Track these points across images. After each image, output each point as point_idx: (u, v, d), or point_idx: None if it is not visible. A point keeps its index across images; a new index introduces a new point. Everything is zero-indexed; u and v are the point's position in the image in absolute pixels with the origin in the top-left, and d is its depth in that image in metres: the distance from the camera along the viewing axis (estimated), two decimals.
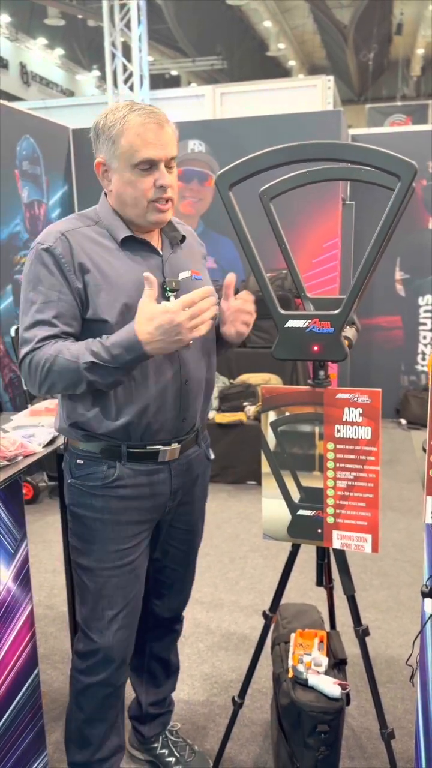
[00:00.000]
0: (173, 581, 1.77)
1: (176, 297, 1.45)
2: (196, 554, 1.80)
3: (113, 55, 6.90)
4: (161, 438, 1.52)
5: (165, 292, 1.47)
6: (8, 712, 1.58)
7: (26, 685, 1.65)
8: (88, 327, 1.44)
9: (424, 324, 5.38)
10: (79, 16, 14.39)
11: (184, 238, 1.58)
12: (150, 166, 1.40)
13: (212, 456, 1.75)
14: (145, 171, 1.40)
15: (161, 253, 1.52)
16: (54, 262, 1.41)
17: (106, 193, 1.51)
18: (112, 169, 1.43)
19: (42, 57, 15.50)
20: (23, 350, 1.41)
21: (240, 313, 1.55)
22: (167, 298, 1.45)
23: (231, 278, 1.53)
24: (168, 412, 1.50)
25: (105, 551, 1.54)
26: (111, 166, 1.43)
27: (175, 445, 1.55)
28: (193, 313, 1.31)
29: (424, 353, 5.40)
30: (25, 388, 3.53)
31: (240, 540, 3.38)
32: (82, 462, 1.53)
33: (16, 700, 1.61)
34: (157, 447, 1.52)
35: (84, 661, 1.62)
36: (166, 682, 1.87)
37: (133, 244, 1.48)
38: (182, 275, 1.53)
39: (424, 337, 5.39)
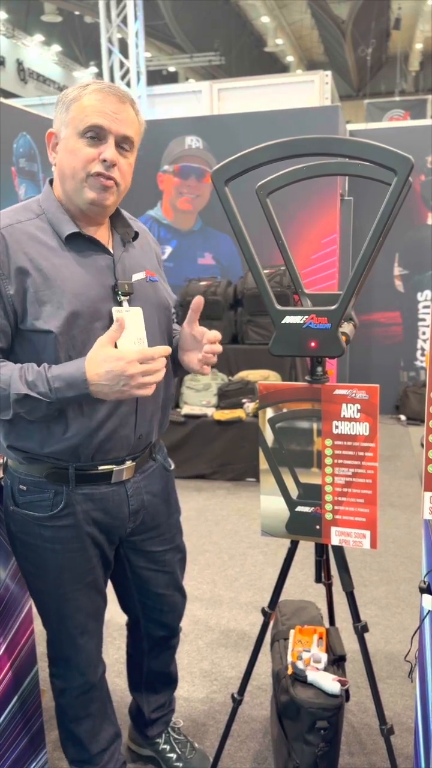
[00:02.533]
0: (162, 604, 1.68)
1: (130, 301, 1.36)
2: (182, 572, 1.71)
3: (110, 52, 6.88)
4: (114, 457, 1.40)
5: (117, 296, 1.34)
6: (7, 711, 1.57)
7: (25, 683, 1.64)
8: (28, 339, 1.29)
9: (423, 320, 5.38)
10: (76, 13, 14.36)
11: (137, 234, 1.45)
12: (97, 136, 1.27)
13: (172, 467, 1.64)
14: (92, 141, 1.27)
15: (112, 251, 1.38)
16: None
17: (51, 181, 1.38)
18: (60, 139, 1.31)
19: (39, 54, 15.45)
20: None
21: (204, 357, 1.43)
22: (119, 303, 1.35)
23: (198, 303, 1.41)
24: (122, 429, 1.38)
25: (61, 578, 1.44)
26: (60, 135, 1.30)
27: (130, 463, 1.44)
28: (145, 369, 1.23)
29: (423, 349, 5.39)
30: None
31: (239, 537, 3.38)
32: (25, 488, 1.39)
33: (15, 699, 1.61)
34: (110, 467, 1.40)
35: (56, 667, 1.60)
36: (166, 689, 1.85)
37: (80, 241, 1.34)
38: (136, 277, 1.40)
39: (423, 333, 5.39)
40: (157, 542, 1.60)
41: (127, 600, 1.70)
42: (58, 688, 1.61)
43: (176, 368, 1.55)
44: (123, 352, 1.23)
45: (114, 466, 1.42)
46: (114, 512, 1.45)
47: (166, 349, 1.28)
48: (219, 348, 1.43)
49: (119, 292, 1.35)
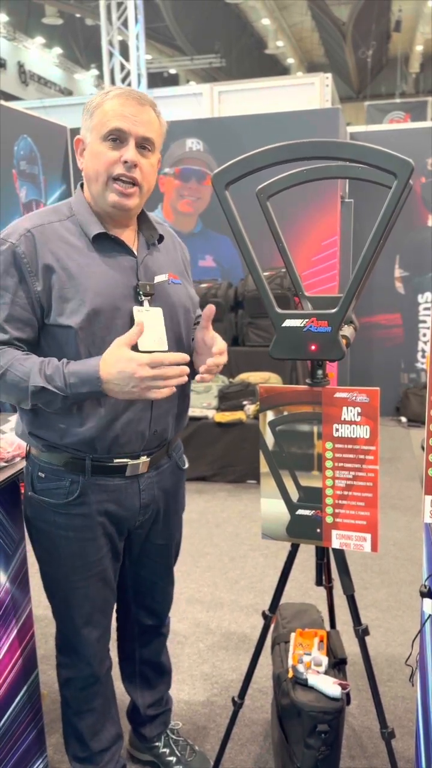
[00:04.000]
0: (153, 592, 1.73)
1: (150, 302, 1.40)
2: (175, 562, 1.76)
3: (111, 54, 6.89)
4: (129, 451, 1.44)
5: (138, 296, 1.39)
6: (7, 714, 1.57)
7: (25, 686, 1.64)
8: (51, 333, 1.36)
9: (424, 321, 5.38)
10: (77, 15, 14.38)
11: (162, 237, 1.50)
12: (119, 139, 1.32)
13: (186, 465, 1.68)
14: (114, 144, 1.32)
15: (136, 253, 1.43)
16: (13, 261, 1.32)
17: (82, 185, 1.43)
18: (86, 144, 1.37)
19: (40, 56, 15.49)
20: None
21: (208, 366, 1.44)
22: (140, 303, 1.39)
23: (210, 310, 1.42)
24: (137, 424, 1.42)
25: (71, 565, 1.49)
26: (86, 140, 1.37)
27: (145, 459, 1.48)
28: (156, 374, 1.26)
29: (423, 351, 5.39)
30: None
31: (240, 539, 3.38)
32: (43, 475, 1.45)
33: (15, 702, 1.61)
34: (125, 461, 1.44)
35: (63, 656, 1.63)
36: (161, 682, 1.86)
37: (106, 242, 1.39)
38: (158, 279, 1.44)
39: (424, 335, 5.38)
40: (160, 536, 1.63)
41: (120, 585, 1.70)
42: (64, 678, 1.63)
43: (192, 370, 1.58)
44: (135, 355, 1.26)
45: (129, 460, 1.45)
46: (126, 505, 1.49)
47: (182, 357, 1.30)
48: (223, 359, 1.45)
49: (140, 293, 1.39)
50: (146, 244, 1.47)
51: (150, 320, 1.38)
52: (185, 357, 1.30)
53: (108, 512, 1.47)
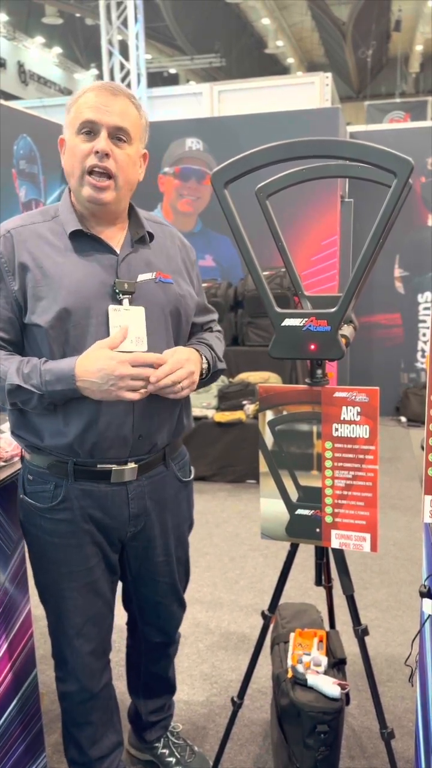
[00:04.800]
0: (158, 611, 1.66)
1: (131, 300, 1.36)
2: (184, 585, 1.69)
3: (110, 54, 6.89)
4: (113, 456, 1.39)
5: (116, 294, 1.34)
6: (6, 714, 1.57)
7: (24, 686, 1.64)
8: (29, 333, 1.35)
9: (424, 321, 5.37)
10: (77, 15, 14.37)
11: (151, 235, 1.45)
12: (91, 131, 1.30)
13: (190, 477, 1.62)
14: (87, 136, 1.30)
15: (118, 251, 1.39)
16: None
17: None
18: (65, 141, 1.36)
19: (40, 56, 15.47)
20: None
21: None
22: (119, 301, 1.35)
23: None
24: (119, 428, 1.36)
25: (58, 572, 1.46)
26: (65, 137, 1.35)
27: (132, 465, 1.42)
28: (135, 373, 1.25)
29: (423, 350, 5.38)
30: None
31: (240, 539, 3.37)
32: (31, 478, 1.44)
33: (14, 702, 1.60)
34: (109, 466, 1.40)
35: (59, 670, 1.59)
36: (164, 693, 1.84)
37: (84, 240, 1.36)
38: (142, 277, 1.39)
39: (424, 335, 5.38)
40: (159, 552, 1.56)
41: (126, 600, 1.70)
42: (60, 691, 1.61)
43: None
44: (113, 354, 1.26)
45: (114, 465, 1.41)
46: (113, 513, 1.44)
47: (159, 358, 1.29)
48: (179, 375, 1.32)
49: (117, 291, 1.35)
50: (131, 241, 1.42)
51: (128, 320, 1.35)
52: (163, 358, 1.29)
53: (94, 519, 1.43)
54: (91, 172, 1.31)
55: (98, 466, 1.40)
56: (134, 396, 1.28)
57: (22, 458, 1.51)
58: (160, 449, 1.48)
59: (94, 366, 1.25)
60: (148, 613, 1.67)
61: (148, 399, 1.35)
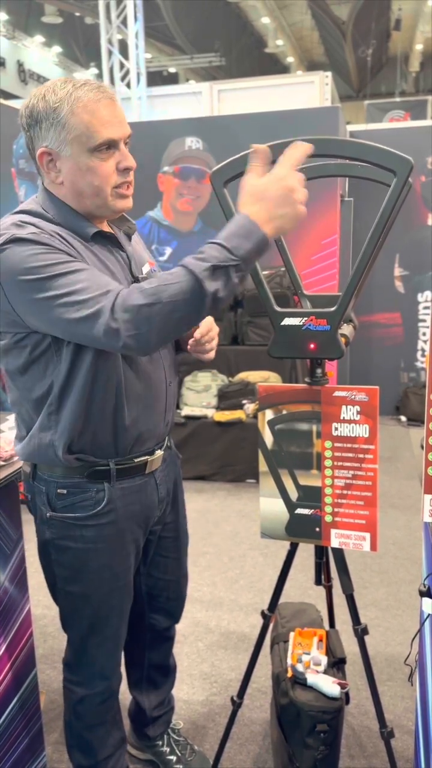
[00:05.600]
0: (168, 592, 1.71)
1: None
2: (187, 555, 1.74)
3: (110, 53, 6.88)
4: (148, 447, 1.43)
5: None
6: (5, 714, 1.57)
7: (24, 686, 1.64)
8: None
9: (424, 321, 5.37)
10: (77, 14, 14.36)
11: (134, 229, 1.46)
12: (109, 147, 1.25)
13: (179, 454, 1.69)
14: (105, 154, 1.24)
15: (125, 248, 1.40)
16: (40, 244, 1.19)
17: (47, 189, 1.30)
18: (62, 158, 1.24)
19: (39, 55, 15.45)
20: (102, 317, 1.12)
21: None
22: None
23: None
24: (156, 418, 1.41)
25: (100, 578, 1.44)
26: (61, 153, 1.23)
27: (159, 453, 1.48)
28: (297, 183, 1.12)
29: (423, 350, 5.38)
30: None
31: (239, 538, 3.37)
32: (65, 491, 1.37)
33: (14, 701, 1.60)
34: (145, 458, 1.43)
35: (77, 675, 1.56)
36: (166, 683, 1.85)
37: (101, 240, 1.34)
38: (145, 269, 1.41)
39: (424, 334, 5.38)
40: (171, 528, 1.63)
41: (135, 594, 1.69)
42: (79, 696, 1.56)
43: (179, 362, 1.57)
44: (274, 173, 1.12)
45: (147, 456, 1.44)
46: (147, 502, 1.48)
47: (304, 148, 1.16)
48: (210, 332, 1.45)
49: None
50: (128, 237, 1.43)
51: None
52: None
53: (134, 514, 1.45)
54: (118, 186, 1.28)
55: (135, 460, 1.42)
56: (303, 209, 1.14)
57: (34, 478, 1.41)
58: (170, 431, 1.54)
59: (269, 194, 1.11)
60: (157, 597, 1.70)
61: (172, 385, 1.45)
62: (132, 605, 1.69)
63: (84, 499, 1.38)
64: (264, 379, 4.31)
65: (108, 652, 1.54)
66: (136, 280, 1.36)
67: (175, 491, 1.62)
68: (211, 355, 1.48)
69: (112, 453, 1.37)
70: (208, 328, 1.44)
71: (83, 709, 1.58)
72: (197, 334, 1.42)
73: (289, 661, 1.67)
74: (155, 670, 1.81)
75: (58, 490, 1.38)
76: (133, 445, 1.39)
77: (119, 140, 1.26)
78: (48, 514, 1.40)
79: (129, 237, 1.44)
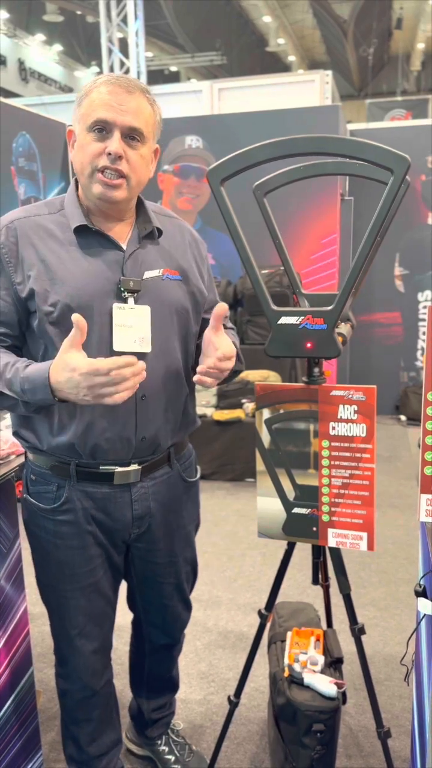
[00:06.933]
0: (164, 613, 1.65)
1: (136, 299, 1.31)
2: (191, 586, 1.68)
3: (110, 51, 6.88)
4: (115, 458, 1.37)
5: (122, 292, 1.30)
6: (2, 712, 1.57)
7: (20, 684, 1.64)
8: (30, 327, 1.32)
9: (424, 320, 5.36)
10: (78, 12, 14.35)
11: (159, 231, 1.39)
12: (104, 129, 1.25)
13: (196, 477, 1.60)
14: (99, 134, 1.25)
15: (124, 247, 1.35)
16: None
17: (77, 179, 1.35)
18: (75, 135, 1.31)
19: (40, 53, 15.46)
20: None
21: (206, 369, 1.29)
22: (125, 300, 1.30)
23: (221, 309, 1.29)
24: (121, 430, 1.33)
25: (61, 573, 1.44)
26: (75, 131, 1.30)
27: (135, 467, 1.40)
28: (103, 381, 1.13)
29: (423, 349, 5.37)
30: None
31: (238, 538, 3.37)
32: (34, 478, 1.42)
33: (11, 700, 1.60)
34: (112, 468, 1.37)
35: (60, 667, 1.58)
36: (167, 690, 1.84)
37: (90, 236, 1.32)
38: (148, 274, 1.35)
39: (424, 333, 5.37)
40: (163, 554, 1.55)
41: (131, 601, 1.69)
42: (61, 689, 1.61)
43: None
44: (75, 363, 1.14)
45: (116, 467, 1.38)
46: (116, 515, 1.42)
47: (126, 360, 1.14)
48: (226, 365, 1.30)
49: (122, 289, 1.30)
50: (138, 237, 1.38)
51: (133, 319, 1.30)
52: (130, 360, 1.14)
53: (97, 521, 1.41)
54: (102, 170, 1.27)
55: (101, 468, 1.37)
56: (117, 399, 1.15)
57: (25, 457, 1.48)
58: (164, 450, 1.46)
59: (62, 376, 1.16)
60: (153, 615, 1.66)
61: (152, 399, 1.34)
62: (133, 611, 1.71)
63: (47, 491, 1.41)
64: (263, 378, 4.31)
65: (78, 652, 1.51)
66: (119, 282, 1.31)
67: (167, 515, 1.50)
68: (208, 383, 1.31)
69: (74, 454, 1.35)
70: (227, 356, 1.29)
71: (67, 703, 1.61)
72: (219, 353, 1.28)
73: (286, 661, 1.67)
74: (156, 680, 1.80)
75: (31, 475, 1.44)
76: (94, 451, 1.34)
77: (114, 125, 1.25)
78: (24, 495, 1.46)
79: (140, 238, 1.37)
